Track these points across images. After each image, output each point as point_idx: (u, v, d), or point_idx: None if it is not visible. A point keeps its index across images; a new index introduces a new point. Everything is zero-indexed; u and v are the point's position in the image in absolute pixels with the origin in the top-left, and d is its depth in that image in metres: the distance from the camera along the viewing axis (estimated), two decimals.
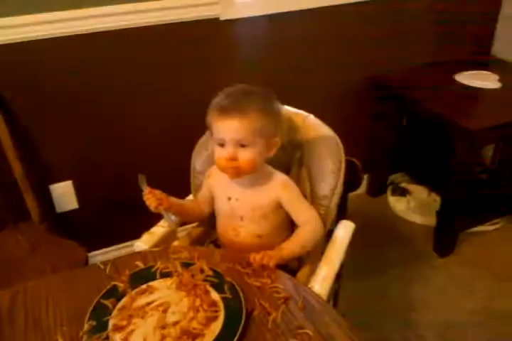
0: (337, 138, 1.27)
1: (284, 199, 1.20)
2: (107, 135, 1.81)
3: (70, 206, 1.89)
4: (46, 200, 1.83)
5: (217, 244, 1.34)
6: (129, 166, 1.81)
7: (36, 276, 1.41)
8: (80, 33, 1.58)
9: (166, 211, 1.17)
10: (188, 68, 1.80)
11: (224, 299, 0.98)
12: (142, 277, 1.06)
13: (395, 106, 2.15)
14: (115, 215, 1.94)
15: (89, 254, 1.90)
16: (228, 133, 1.10)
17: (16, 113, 1.63)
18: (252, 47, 1.88)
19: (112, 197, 1.90)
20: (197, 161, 1.37)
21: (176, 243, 1.32)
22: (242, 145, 1.11)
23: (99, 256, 2.00)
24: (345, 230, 1.26)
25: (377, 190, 2.44)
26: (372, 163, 2.22)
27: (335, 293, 1.35)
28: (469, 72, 2.15)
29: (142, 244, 1.24)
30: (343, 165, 1.25)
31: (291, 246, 1.17)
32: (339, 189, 1.24)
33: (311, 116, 1.31)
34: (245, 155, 1.11)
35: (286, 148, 1.25)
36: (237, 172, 1.14)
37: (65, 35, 1.57)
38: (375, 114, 2.20)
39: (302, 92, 1.81)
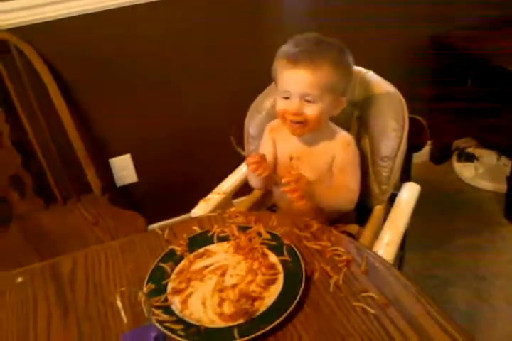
0: (399, 93, 1.19)
1: (339, 158, 1.14)
2: (161, 107, 1.80)
3: (129, 179, 1.92)
4: (107, 174, 1.86)
5: (273, 209, 1.30)
6: (185, 136, 1.86)
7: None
8: (126, 4, 1.57)
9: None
10: (244, 32, 1.75)
11: (283, 262, 0.94)
12: (199, 241, 1.03)
13: (459, 66, 2.02)
14: (173, 187, 1.95)
15: (150, 227, 1.95)
16: (296, 85, 1.03)
17: (73, 90, 1.65)
18: None
19: (169, 169, 1.92)
20: (250, 125, 1.33)
21: (232, 209, 1.28)
22: (309, 101, 1.04)
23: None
24: (409, 193, 1.19)
25: (441, 156, 2.34)
26: (435, 128, 2.07)
27: (399, 261, 1.29)
28: None
29: (198, 210, 1.23)
30: (407, 122, 1.17)
31: (321, 194, 1.11)
32: (403, 149, 1.17)
33: (371, 72, 1.23)
34: (312, 111, 1.05)
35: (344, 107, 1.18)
36: (301, 128, 1.08)
37: (114, 7, 1.56)
38: (438, 74, 2.09)
39: (360, 48, 1.71)
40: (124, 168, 1.88)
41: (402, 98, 1.18)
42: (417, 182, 1.32)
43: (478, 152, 2.28)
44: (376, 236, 1.13)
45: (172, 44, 1.69)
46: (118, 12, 1.56)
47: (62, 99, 1.57)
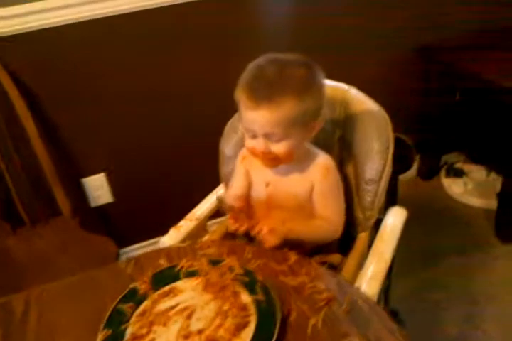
0: (383, 111, 1.11)
1: (319, 186, 1.06)
2: (138, 122, 1.72)
3: (104, 200, 1.82)
4: (79, 194, 1.77)
5: (252, 237, 1.21)
6: (164, 154, 1.78)
7: (66, 275, 1.35)
8: (104, 15, 1.49)
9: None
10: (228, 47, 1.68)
11: (256, 301, 0.85)
12: (165, 277, 0.94)
13: (447, 79, 1.95)
14: (152, 207, 1.86)
15: (126, 249, 1.91)
16: (259, 126, 0.96)
17: (41, 103, 1.56)
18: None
19: (147, 188, 1.83)
20: (226, 145, 1.24)
21: (206, 237, 1.19)
22: (274, 140, 0.97)
23: (135, 251, 1.94)
24: (395, 218, 1.11)
25: (429, 171, 2.26)
26: (423, 142, 2.02)
27: (385, 289, 1.20)
28: None
29: (168, 239, 1.14)
30: (392, 143, 1.09)
31: (300, 233, 1.04)
32: (388, 171, 1.08)
33: (353, 89, 1.15)
34: (279, 149, 0.98)
35: (324, 127, 1.10)
36: (273, 164, 1.02)
37: (89, 18, 1.48)
38: (425, 87, 2.02)
39: (343, 64, 1.64)
40: (98, 188, 1.79)
41: (386, 116, 1.10)
42: (404, 198, 1.25)
43: (467, 167, 2.22)
44: (360, 266, 1.04)
45: (150, 53, 1.61)
46: (92, 23, 1.48)
47: (29, 114, 1.48)
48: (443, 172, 2.26)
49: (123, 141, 1.72)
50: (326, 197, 1.06)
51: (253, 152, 1.01)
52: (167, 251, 1.02)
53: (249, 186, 1.14)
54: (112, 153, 1.74)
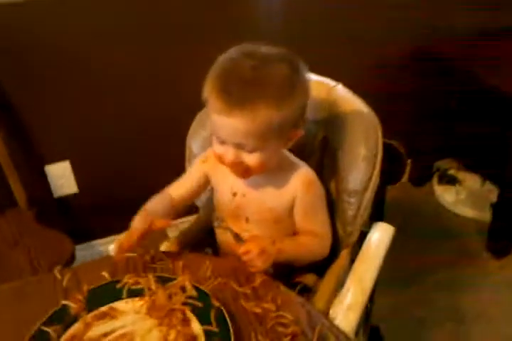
0: (373, 114, 0.97)
1: (301, 201, 0.92)
2: (104, 106, 1.59)
3: (68, 190, 1.70)
4: (41, 183, 1.65)
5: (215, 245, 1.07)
6: (132, 140, 1.67)
7: (13, 274, 1.26)
8: None
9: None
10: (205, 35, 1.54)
11: (207, 333, 0.71)
12: (104, 295, 0.80)
13: (443, 82, 1.84)
14: (119, 198, 1.71)
15: (92, 243, 1.81)
16: (230, 135, 0.81)
17: None
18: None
19: (114, 178, 1.72)
20: (193, 142, 1.09)
21: (164, 245, 1.05)
22: (247, 150, 0.83)
23: (103, 246, 1.82)
24: (381, 236, 0.97)
25: (421, 177, 2.14)
26: (415, 146, 1.89)
27: (366, 316, 1.06)
28: None
29: None
30: (381, 149, 0.95)
31: (291, 253, 0.90)
32: (374, 182, 0.94)
33: (339, 86, 1.01)
34: (252, 160, 0.84)
35: (304, 127, 0.96)
36: (243, 175, 0.88)
37: None
38: (420, 89, 1.89)
39: (331, 58, 1.50)
40: (61, 177, 1.67)
41: (376, 119, 0.96)
42: (391, 204, 1.11)
43: (461, 175, 2.10)
44: (337, 289, 0.90)
45: (114, 38, 1.48)
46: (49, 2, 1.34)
47: None
48: (435, 179, 2.15)
49: (87, 128, 1.60)
50: (310, 211, 0.94)
51: (221, 160, 0.86)
52: (112, 262, 0.89)
53: (194, 193, 1.00)
54: (76, 140, 1.62)
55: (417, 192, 2.13)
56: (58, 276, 0.86)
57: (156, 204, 0.95)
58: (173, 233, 1.12)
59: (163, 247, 1.05)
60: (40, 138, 1.56)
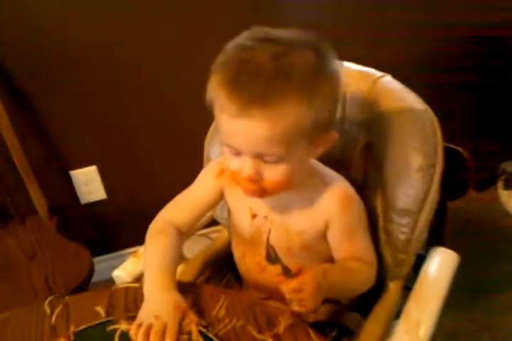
0: (431, 112, 0.78)
1: (338, 223, 0.75)
2: (134, 107, 1.50)
3: (96, 196, 1.62)
4: (67, 189, 1.58)
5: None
6: (164, 144, 1.58)
7: (29, 292, 1.19)
8: None
9: None
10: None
11: None
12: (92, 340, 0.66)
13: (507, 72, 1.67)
14: (149, 206, 1.62)
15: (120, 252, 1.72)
16: (247, 143, 0.64)
17: (20, 89, 1.37)
18: None
19: (144, 185, 1.63)
20: (211, 149, 0.94)
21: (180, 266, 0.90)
22: (269, 161, 0.66)
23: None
24: (442, 267, 0.77)
25: (483, 181, 1.96)
26: (477, 147, 1.71)
27: None
28: None
29: (123, 272, 0.86)
30: (441, 157, 0.75)
31: (341, 286, 0.72)
32: (432, 199, 0.75)
33: (388, 78, 0.82)
34: (274, 175, 0.66)
35: (341, 130, 0.78)
36: (259, 194, 0.70)
37: None
38: (484, 80, 1.71)
39: (373, 42, 1.31)
40: (88, 182, 1.59)
41: (434, 119, 0.77)
42: (450, 214, 0.92)
43: None
44: (386, 333, 0.72)
45: (146, 36, 1.38)
46: None
47: None
48: (501, 183, 1.96)
49: (116, 132, 1.52)
50: (351, 234, 0.76)
51: (234, 176, 0.70)
52: (112, 294, 0.75)
53: (208, 207, 0.83)
54: (103, 144, 1.54)
55: (480, 197, 1.91)
56: (48, 311, 0.74)
57: (173, 258, 0.76)
58: (189, 252, 0.96)
59: (178, 270, 0.91)
60: (65, 142, 1.50)
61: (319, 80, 0.63)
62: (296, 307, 0.65)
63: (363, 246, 0.77)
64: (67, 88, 1.40)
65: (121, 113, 1.49)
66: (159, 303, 0.67)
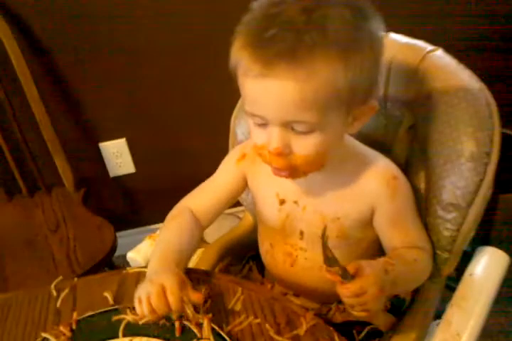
0: (487, 92, 0.67)
1: (387, 209, 0.67)
2: (164, 82, 1.45)
3: (125, 170, 1.60)
4: (95, 162, 1.56)
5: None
6: (193, 119, 1.52)
7: (50, 264, 1.18)
8: None
9: None
10: None
11: None
12: (95, 330, 0.61)
13: None
14: (177, 182, 1.57)
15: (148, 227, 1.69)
16: (272, 108, 0.56)
17: (48, 59, 1.33)
18: None
19: (172, 160, 1.59)
20: (238, 126, 0.86)
21: (198, 253, 0.83)
22: (300, 131, 0.57)
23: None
24: (489, 270, 0.68)
25: None
26: None
27: None
28: None
29: (137, 254, 0.81)
30: (497, 145, 0.65)
31: (404, 281, 0.63)
32: (484, 193, 0.65)
33: (439, 52, 0.71)
34: (305, 147, 0.58)
35: (382, 111, 0.69)
36: (290, 173, 0.62)
37: None
38: None
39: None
40: (118, 155, 1.57)
41: (491, 100, 0.67)
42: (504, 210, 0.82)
43: None
44: (422, 337, 0.65)
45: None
46: None
47: (26, 69, 1.25)
48: None
49: (144, 104, 1.47)
50: (403, 219, 0.68)
51: (261, 152, 0.62)
52: (122, 278, 0.70)
53: (227, 206, 0.76)
54: (132, 117, 1.50)
55: None
56: (54, 293, 0.69)
57: (183, 241, 0.70)
58: (208, 236, 0.90)
59: (197, 255, 0.85)
60: (95, 114, 1.47)
61: (357, 38, 0.54)
62: (358, 313, 0.57)
63: (416, 231, 0.68)
64: (98, 59, 1.36)
65: (151, 87, 1.44)
66: (154, 273, 0.62)
